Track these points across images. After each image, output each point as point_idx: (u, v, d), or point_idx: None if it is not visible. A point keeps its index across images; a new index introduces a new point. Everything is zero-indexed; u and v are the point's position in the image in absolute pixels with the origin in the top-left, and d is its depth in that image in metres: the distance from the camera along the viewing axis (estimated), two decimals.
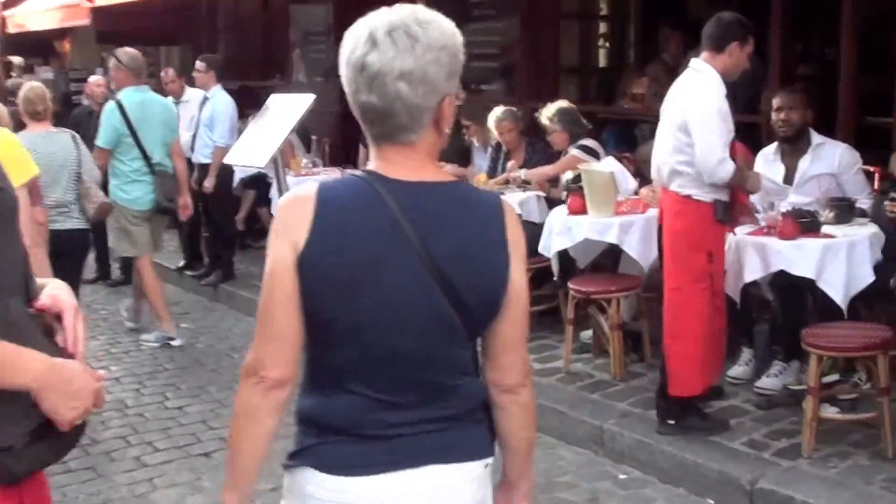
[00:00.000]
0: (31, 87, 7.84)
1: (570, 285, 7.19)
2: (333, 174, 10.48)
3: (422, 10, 2.27)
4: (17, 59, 21.14)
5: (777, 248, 6.15)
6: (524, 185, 8.49)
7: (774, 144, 6.91)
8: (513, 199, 8.26)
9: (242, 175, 11.19)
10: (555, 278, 7.67)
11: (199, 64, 10.71)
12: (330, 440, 2.37)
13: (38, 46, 19.71)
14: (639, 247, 7.08)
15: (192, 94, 11.15)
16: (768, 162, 6.83)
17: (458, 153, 9.69)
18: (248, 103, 10.92)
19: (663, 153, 5.97)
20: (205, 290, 10.94)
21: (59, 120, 10.48)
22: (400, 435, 2.34)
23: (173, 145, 9.07)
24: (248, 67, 15.31)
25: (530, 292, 7.39)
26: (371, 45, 2.23)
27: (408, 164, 2.30)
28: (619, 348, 7.05)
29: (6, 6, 18.09)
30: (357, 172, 2.36)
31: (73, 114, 12.72)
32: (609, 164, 7.46)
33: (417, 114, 2.25)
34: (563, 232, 7.30)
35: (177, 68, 12.13)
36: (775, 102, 6.79)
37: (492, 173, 8.89)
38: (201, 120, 10.62)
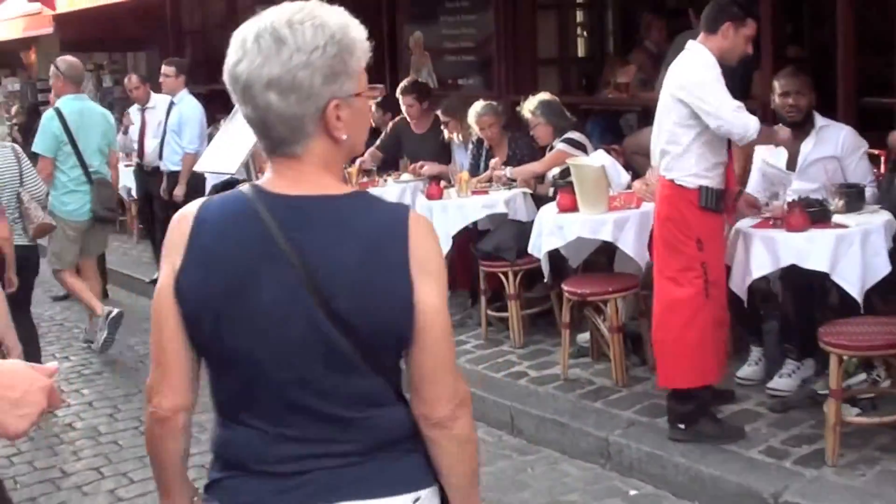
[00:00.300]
0: None
1: (565, 287, 6.70)
2: None
3: (303, 8, 2.08)
4: None
5: (786, 241, 5.67)
6: (510, 182, 7.99)
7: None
8: (499, 198, 7.78)
9: (215, 181, 10.65)
10: (545, 279, 7.16)
11: (166, 68, 10.22)
12: (234, 475, 2.20)
13: (5, 57, 19.25)
14: (635, 244, 6.59)
15: (157, 100, 10.63)
16: (770, 148, 6.33)
17: (439, 150, 9.19)
18: (218, 108, 10.40)
19: (656, 136, 5.69)
20: None
21: (27, 130, 10.13)
22: (308, 470, 2.13)
23: (111, 155, 8.88)
24: (217, 71, 14.58)
25: (521, 293, 7.00)
26: (242, 52, 2.08)
27: (296, 178, 2.11)
28: (620, 352, 6.56)
29: None
30: (244, 187, 2.16)
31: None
32: (599, 158, 6.95)
33: (296, 124, 2.06)
34: (553, 231, 6.80)
35: (143, 74, 11.54)
36: (780, 86, 6.28)
37: (474, 171, 8.39)
38: (168, 126, 10.13)
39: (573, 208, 6.80)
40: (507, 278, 7.42)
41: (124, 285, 11.56)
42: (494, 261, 7.49)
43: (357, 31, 2.10)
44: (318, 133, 2.09)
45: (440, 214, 7.82)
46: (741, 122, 5.31)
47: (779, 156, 6.30)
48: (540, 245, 6.91)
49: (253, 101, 2.07)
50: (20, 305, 6.57)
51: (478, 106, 8.27)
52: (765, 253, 5.72)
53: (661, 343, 5.74)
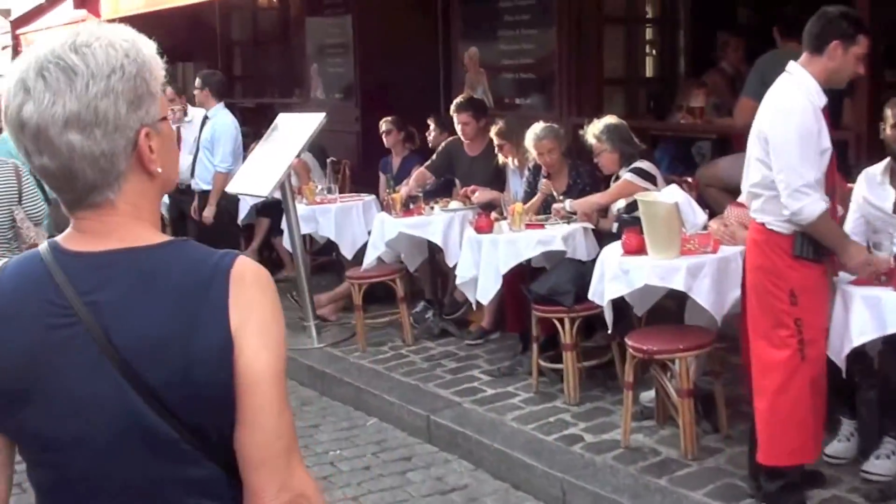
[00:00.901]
0: None
1: (629, 342, 5.73)
2: (352, 202, 9.14)
3: (85, 31, 1.77)
4: None
5: (895, 304, 4.69)
6: (568, 215, 7.04)
7: (883, 164, 5.37)
8: (556, 233, 6.84)
9: (255, 201, 9.85)
10: (609, 331, 6.21)
11: (196, 81, 9.38)
12: None
13: None
14: (711, 294, 5.62)
15: (194, 114, 9.80)
16: (874, 185, 5.33)
17: (492, 176, 8.29)
18: (267, 123, 9.61)
19: (746, 173, 4.94)
20: None
21: None
22: None
23: None
24: (266, 84, 14.07)
25: (578, 343, 6.06)
26: (24, 93, 1.75)
27: (102, 231, 1.81)
28: (690, 419, 5.58)
29: (17, 25, 17.20)
30: (42, 245, 1.86)
31: None
32: (672, 193, 5.97)
33: (106, 165, 1.77)
34: (618, 276, 5.84)
35: (178, 86, 10.73)
36: (893, 115, 5.25)
37: (529, 201, 7.45)
38: (201, 142, 9.33)
39: (641, 250, 5.84)
40: (562, 325, 6.47)
41: None
42: (549, 305, 6.54)
43: (148, 47, 1.81)
44: (132, 170, 1.80)
45: (490, 250, 6.90)
46: (797, 205, 4.61)
47: (885, 195, 5.29)
48: (602, 291, 5.95)
49: (51, 148, 1.74)
50: None
51: (537, 128, 7.35)
52: (868, 316, 4.76)
53: (759, 414, 4.95)
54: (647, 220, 5.79)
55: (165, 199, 10.46)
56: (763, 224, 4.82)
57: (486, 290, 7.00)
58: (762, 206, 4.82)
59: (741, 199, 5.33)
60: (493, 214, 7.32)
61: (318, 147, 10.61)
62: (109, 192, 1.79)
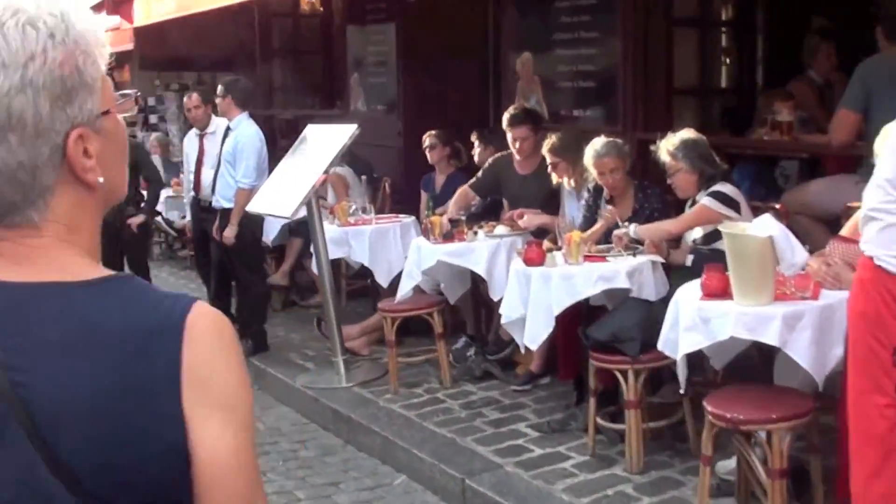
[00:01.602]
0: None
1: (708, 407, 4.59)
2: (388, 224, 8.11)
3: None
4: None
5: None
6: (634, 245, 5.91)
7: None
8: (619, 268, 5.73)
9: (284, 222, 8.86)
10: (681, 390, 5.08)
11: (218, 88, 8.40)
12: None
13: None
14: (810, 350, 4.49)
15: (218, 125, 8.81)
16: None
17: (546, 197, 7.20)
18: None
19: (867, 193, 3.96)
20: None
21: None
22: None
23: None
24: (306, 95, 13.10)
25: (643, 399, 4.87)
26: None
27: (20, 255, 1.39)
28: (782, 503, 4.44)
29: None
30: None
31: None
32: (766, 225, 4.79)
33: (25, 179, 1.37)
34: (695, 325, 4.69)
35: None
36: None
37: (587, 228, 6.35)
38: (223, 155, 8.33)
39: (724, 293, 4.71)
40: (625, 378, 5.34)
41: None
42: (610, 354, 5.41)
43: (86, 20, 1.38)
44: (62, 184, 1.40)
45: (541, 286, 5.80)
46: None
47: None
48: (675, 342, 4.82)
49: None
50: None
51: (598, 144, 6.25)
52: None
53: (853, 486, 4.00)
54: (733, 256, 4.64)
55: (188, 216, 9.58)
56: (872, 258, 3.79)
57: (535, 334, 5.89)
58: (875, 236, 3.79)
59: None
60: (546, 243, 6.18)
61: (362, 162, 9.63)
62: (32, 212, 1.40)
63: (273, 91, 13.41)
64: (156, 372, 1.35)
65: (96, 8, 15.36)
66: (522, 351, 6.37)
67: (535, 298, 5.84)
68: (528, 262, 5.98)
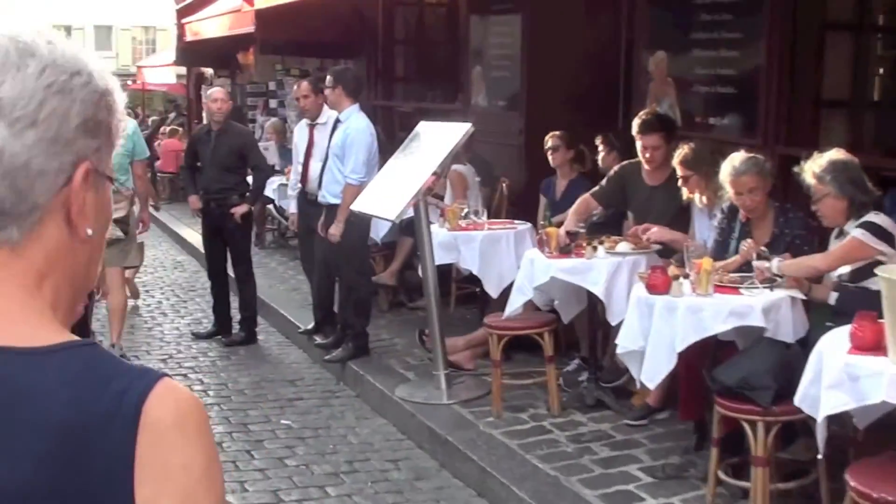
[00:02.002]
0: None
1: (850, 481, 3.89)
2: (502, 230, 7.53)
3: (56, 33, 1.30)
4: (208, 71, 19.96)
5: None
6: (772, 278, 5.20)
7: None
8: (754, 304, 5.05)
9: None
10: (819, 454, 4.38)
11: (327, 78, 7.91)
12: None
13: (223, 57, 17.73)
14: None
15: (330, 116, 8.34)
16: None
17: (675, 213, 6.52)
18: None
19: None
20: (331, 367, 8.07)
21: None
22: None
23: (134, 167, 8.26)
24: (427, 87, 12.59)
25: (773, 453, 4.22)
26: None
27: None
28: None
29: (182, 14, 16.48)
30: None
31: (192, 133, 10.35)
32: None
33: (25, 184, 1.23)
34: (841, 383, 3.99)
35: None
36: None
37: (720, 252, 5.66)
38: (331, 148, 7.84)
39: (876, 347, 4.01)
40: (753, 430, 4.65)
41: (278, 325, 9.48)
42: (738, 401, 4.73)
43: (118, 89, 1.33)
44: (54, 213, 1.24)
45: (664, 317, 5.15)
46: None
47: None
48: (816, 399, 4.13)
49: None
50: None
51: (736, 160, 5.54)
52: None
53: None
54: (890, 305, 3.94)
55: (292, 207, 9.16)
56: None
57: (653, 371, 5.24)
58: None
59: None
60: (671, 268, 5.51)
61: (479, 160, 9.08)
62: (13, 229, 1.22)
63: (394, 82, 12.94)
64: (100, 470, 1.15)
65: None
66: (638, 386, 5.73)
67: (656, 331, 5.18)
68: (652, 288, 5.31)
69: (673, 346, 5.10)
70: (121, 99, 1.33)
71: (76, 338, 1.22)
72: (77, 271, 1.29)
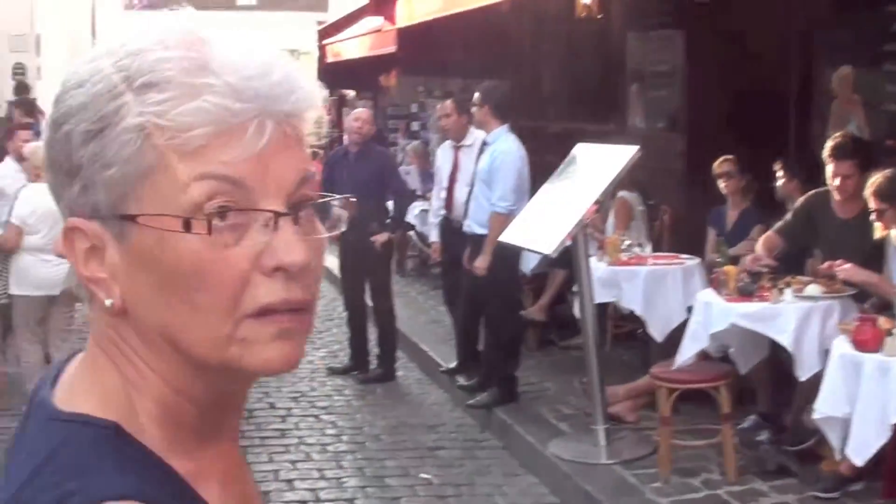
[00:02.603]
0: None
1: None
2: (668, 266, 6.74)
3: None
4: (349, 93, 19.71)
5: None
6: None
7: None
8: None
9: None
10: None
11: (475, 96, 7.23)
12: None
13: (364, 79, 17.30)
14: None
15: (477, 137, 7.67)
16: None
17: (869, 250, 5.60)
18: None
19: None
20: (475, 412, 7.35)
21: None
22: None
23: None
24: (578, 107, 11.82)
25: None
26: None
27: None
28: None
29: (323, 36, 16.22)
30: None
31: (329, 155, 9.82)
32: None
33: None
34: None
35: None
36: None
37: None
38: (478, 172, 7.17)
39: None
40: None
41: (418, 361, 8.82)
42: None
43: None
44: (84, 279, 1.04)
45: (877, 380, 4.32)
46: None
47: None
48: None
49: None
50: None
51: None
52: None
53: None
54: None
55: (433, 236, 8.49)
56: None
57: (862, 444, 4.41)
58: None
59: None
60: (883, 320, 4.62)
61: (639, 187, 8.29)
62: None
63: (543, 101, 12.22)
64: None
65: (360, 11, 14.79)
66: (838, 457, 4.84)
67: (866, 396, 4.34)
68: (860, 345, 4.45)
69: (887, 415, 4.23)
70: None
71: (100, 416, 0.97)
72: (135, 353, 0.99)
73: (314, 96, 0.99)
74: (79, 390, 1.01)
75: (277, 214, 0.93)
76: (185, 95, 0.91)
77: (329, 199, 1.02)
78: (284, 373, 0.98)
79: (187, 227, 0.91)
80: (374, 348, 8.55)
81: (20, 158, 7.52)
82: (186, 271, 0.92)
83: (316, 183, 1.01)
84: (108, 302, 0.97)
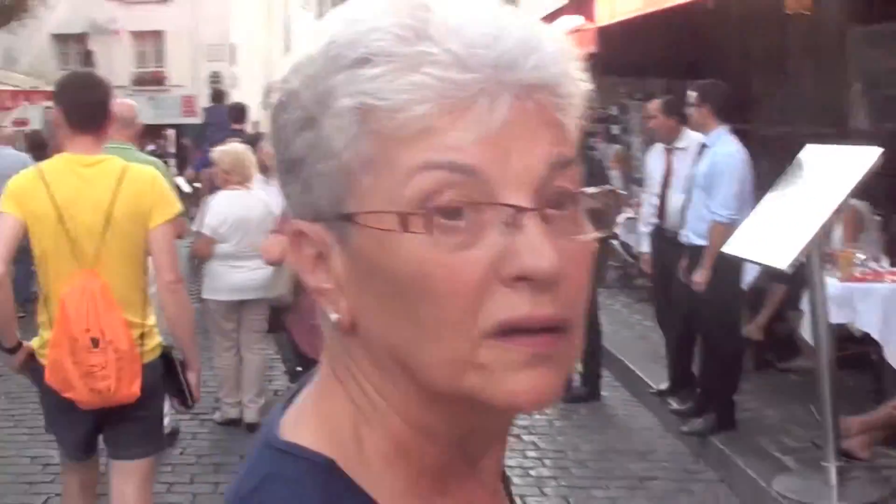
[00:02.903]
0: None
1: None
2: None
3: None
4: None
5: None
6: None
7: None
8: None
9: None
10: None
11: (692, 94, 6.66)
12: None
13: None
14: None
15: (692, 139, 7.08)
16: None
17: None
18: (790, 157, 6.75)
19: None
20: (689, 439, 6.75)
21: None
22: None
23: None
24: (791, 109, 11.08)
25: None
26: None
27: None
28: None
29: None
30: None
31: None
32: None
33: None
34: None
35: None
36: None
37: None
38: (696, 178, 6.55)
39: None
40: None
41: (624, 380, 8.30)
42: None
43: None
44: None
45: None
46: None
47: None
48: None
49: None
50: None
51: None
52: None
53: None
54: None
55: (644, 246, 7.90)
56: None
57: None
58: None
59: None
60: None
61: (868, 194, 7.52)
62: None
63: (752, 103, 11.51)
64: None
65: (560, 10, 14.30)
66: None
67: None
68: None
69: None
70: None
71: (316, 450, 0.87)
72: (366, 370, 0.89)
73: (561, 61, 0.85)
74: (303, 417, 0.93)
75: (519, 210, 0.79)
76: (402, 69, 0.80)
77: (590, 192, 0.87)
78: (537, 410, 0.84)
79: (404, 225, 0.80)
80: (576, 364, 8.03)
81: (264, 169, 7.31)
82: (408, 279, 0.81)
83: (576, 172, 0.84)
84: (333, 317, 0.89)
